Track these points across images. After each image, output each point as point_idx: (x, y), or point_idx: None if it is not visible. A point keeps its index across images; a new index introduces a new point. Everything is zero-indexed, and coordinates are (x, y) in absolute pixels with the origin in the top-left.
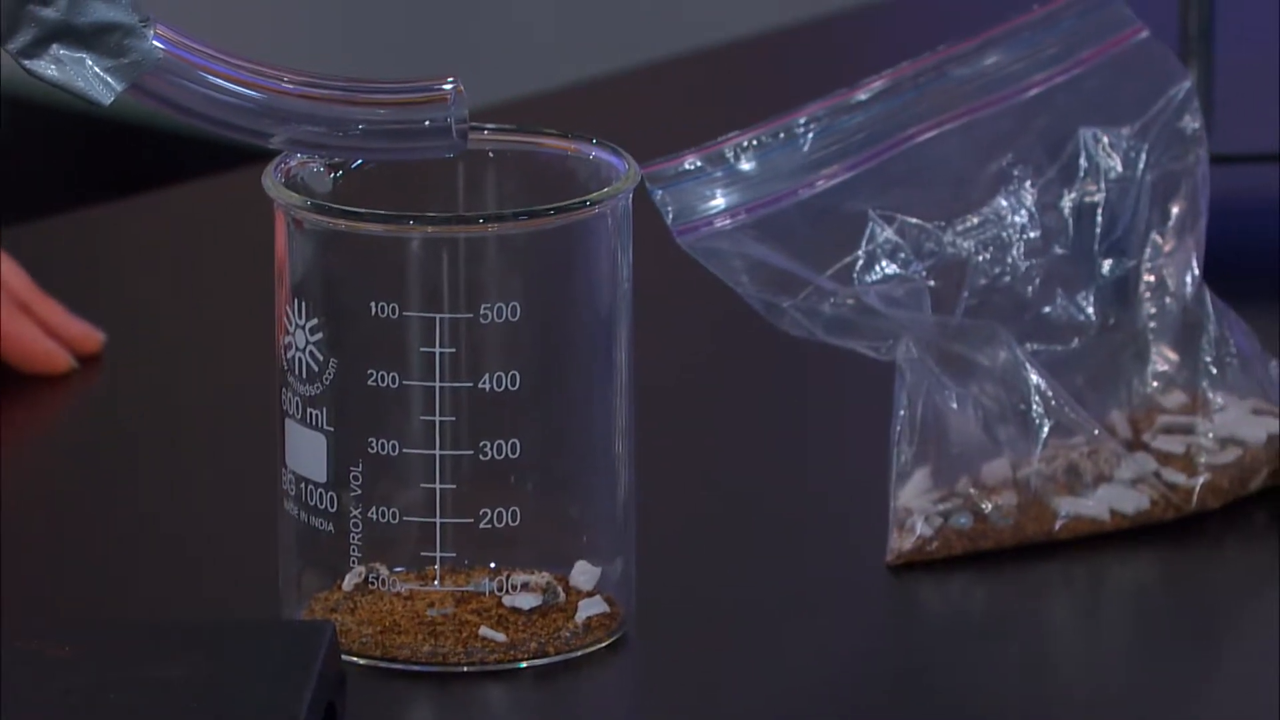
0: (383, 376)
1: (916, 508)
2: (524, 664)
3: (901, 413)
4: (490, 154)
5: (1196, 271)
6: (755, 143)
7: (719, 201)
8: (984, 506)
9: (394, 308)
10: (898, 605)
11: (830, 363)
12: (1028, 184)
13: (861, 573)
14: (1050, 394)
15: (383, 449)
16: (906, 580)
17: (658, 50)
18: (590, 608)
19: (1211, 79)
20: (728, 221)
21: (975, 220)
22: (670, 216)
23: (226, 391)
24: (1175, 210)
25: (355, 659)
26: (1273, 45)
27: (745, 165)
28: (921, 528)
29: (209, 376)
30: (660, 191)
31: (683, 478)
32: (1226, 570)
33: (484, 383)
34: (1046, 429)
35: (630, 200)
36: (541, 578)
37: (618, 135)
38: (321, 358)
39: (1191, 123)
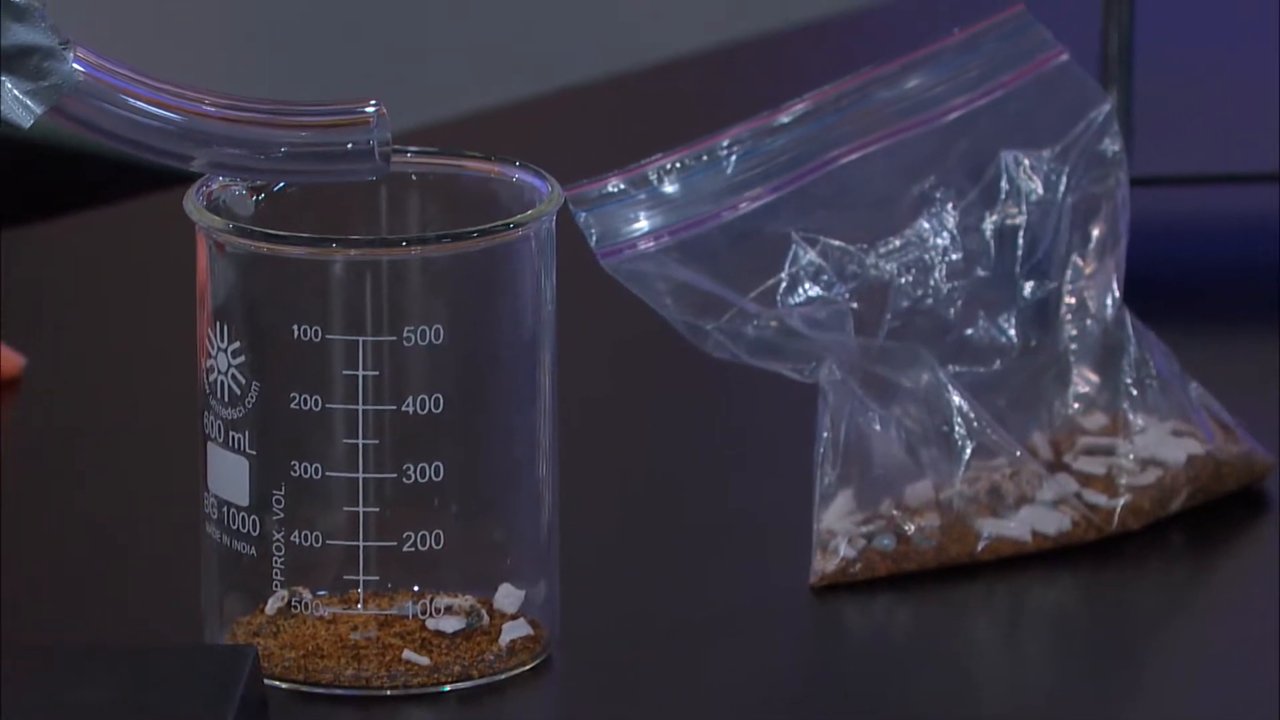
0: (305, 400)
1: (840, 530)
2: (447, 687)
3: (825, 435)
4: (413, 176)
5: (1117, 294)
6: (678, 165)
7: (642, 224)
8: (907, 528)
9: (317, 331)
10: (821, 627)
11: (754, 385)
12: (949, 206)
13: (785, 595)
14: (972, 416)
15: (305, 472)
16: (830, 602)
17: (581, 73)
18: (514, 630)
19: (1131, 102)
20: (651, 244)
21: (898, 243)
22: (594, 239)
23: (148, 415)
24: (1096, 233)
25: (278, 683)
26: (1192, 68)
27: (669, 188)
28: (845, 549)
29: (131, 400)
30: (584, 214)
31: (607, 500)
32: (1147, 591)
33: (407, 405)
34: (969, 451)
35: (554, 223)
36: (465, 601)
37: (541, 158)
38: (244, 381)
39: (1111, 145)
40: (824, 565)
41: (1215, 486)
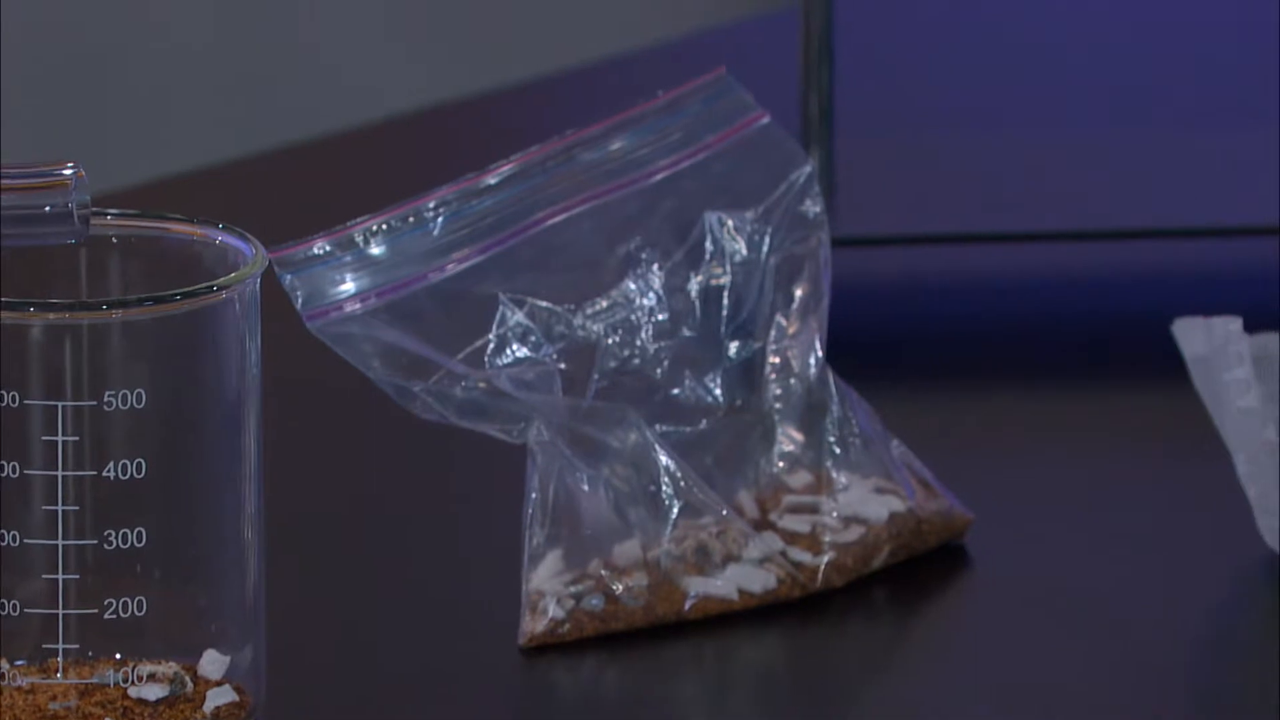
0: (3, 466)
1: (549, 590)
2: None
3: (533, 495)
4: (114, 239)
5: (820, 353)
6: (385, 227)
7: (349, 286)
8: (615, 588)
9: (14, 396)
10: (530, 688)
11: (464, 446)
12: (655, 267)
13: (494, 656)
14: (679, 475)
15: (3, 539)
16: (539, 663)
17: (284, 135)
18: (219, 697)
19: (832, 163)
20: (358, 306)
21: (604, 303)
22: (299, 301)
23: None
24: (799, 292)
25: None
26: (891, 130)
27: (375, 249)
28: (554, 610)
29: None
30: (289, 276)
31: (314, 563)
32: (850, 647)
33: (109, 471)
34: (676, 510)
35: (258, 285)
36: (169, 668)
37: (245, 220)
38: None
39: (813, 206)
40: (533, 626)
41: (916, 543)
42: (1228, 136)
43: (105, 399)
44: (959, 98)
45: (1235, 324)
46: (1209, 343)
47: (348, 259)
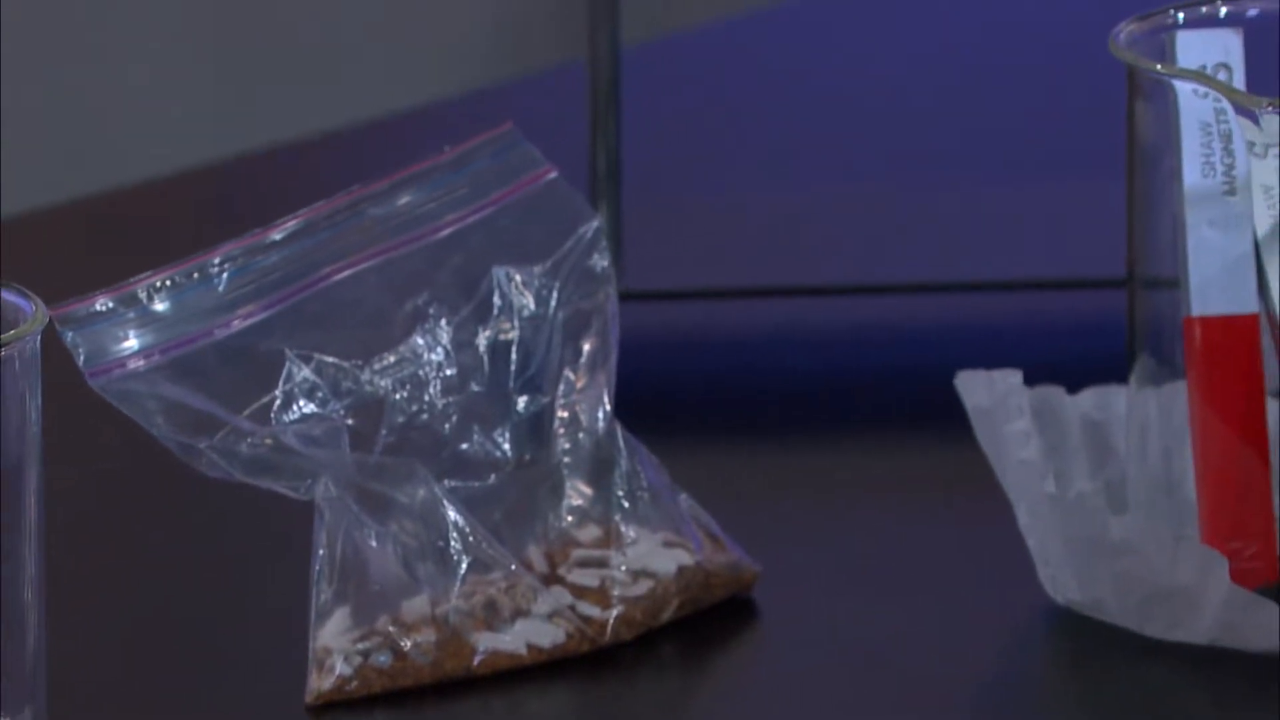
0: None
1: (336, 647)
2: None
3: (321, 552)
4: None
5: (608, 407)
6: (169, 283)
7: (132, 343)
8: (404, 644)
9: None
10: None
11: (251, 503)
12: (443, 322)
13: (282, 714)
14: (468, 530)
15: None
16: None
17: (64, 191)
18: None
19: (620, 218)
20: (141, 363)
21: (392, 359)
22: (82, 359)
23: None
24: (587, 347)
25: None
26: (678, 185)
27: (159, 306)
28: (341, 667)
29: None
30: (71, 333)
31: (100, 624)
32: (638, 700)
33: None
34: (465, 565)
35: (38, 343)
36: None
37: (24, 277)
38: None
39: (600, 261)
40: (320, 683)
41: (704, 596)
42: (1010, 191)
43: None
44: (747, 152)
45: (1015, 377)
46: (990, 395)
47: (131, 315)
